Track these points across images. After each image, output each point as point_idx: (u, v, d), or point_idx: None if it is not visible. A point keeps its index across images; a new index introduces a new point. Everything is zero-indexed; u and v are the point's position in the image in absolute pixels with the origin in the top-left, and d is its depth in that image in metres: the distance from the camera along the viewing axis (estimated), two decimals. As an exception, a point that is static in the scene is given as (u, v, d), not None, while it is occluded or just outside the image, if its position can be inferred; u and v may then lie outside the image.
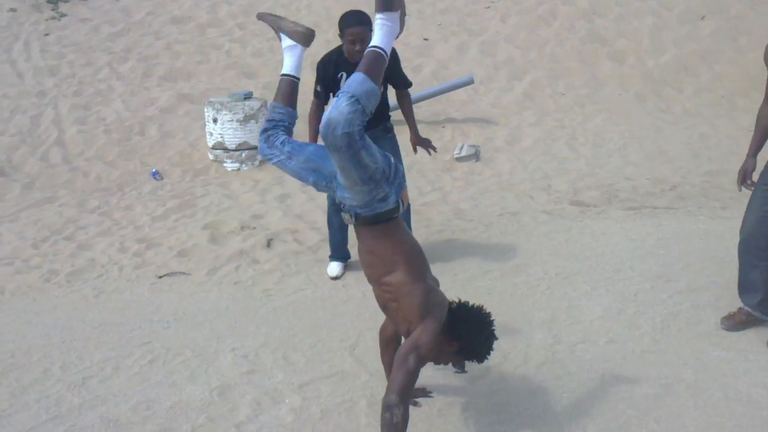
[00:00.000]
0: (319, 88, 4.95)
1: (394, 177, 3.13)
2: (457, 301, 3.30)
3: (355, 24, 4.58)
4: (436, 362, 3.33)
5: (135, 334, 4.46)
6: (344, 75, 4.80)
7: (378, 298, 3.29)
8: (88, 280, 5.33)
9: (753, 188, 4.28)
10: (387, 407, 2.92)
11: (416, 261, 3.22)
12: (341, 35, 4.70)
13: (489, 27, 10.49)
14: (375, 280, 3.24)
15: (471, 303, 3.29)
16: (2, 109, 8.40)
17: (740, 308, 4.37)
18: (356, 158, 2.95)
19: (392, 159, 3.20)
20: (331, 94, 4.87)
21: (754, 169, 4.31)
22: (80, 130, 8.08)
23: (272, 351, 4.22)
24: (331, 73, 4.83)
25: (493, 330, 3.27)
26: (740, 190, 4.40)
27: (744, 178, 4.31)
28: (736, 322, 4.33)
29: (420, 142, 5.11)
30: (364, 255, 3.25)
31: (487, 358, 3.29)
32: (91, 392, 3.84)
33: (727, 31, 10.69)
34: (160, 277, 5.34)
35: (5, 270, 5.45)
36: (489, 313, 3.27)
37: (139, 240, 5.92)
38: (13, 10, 10.50)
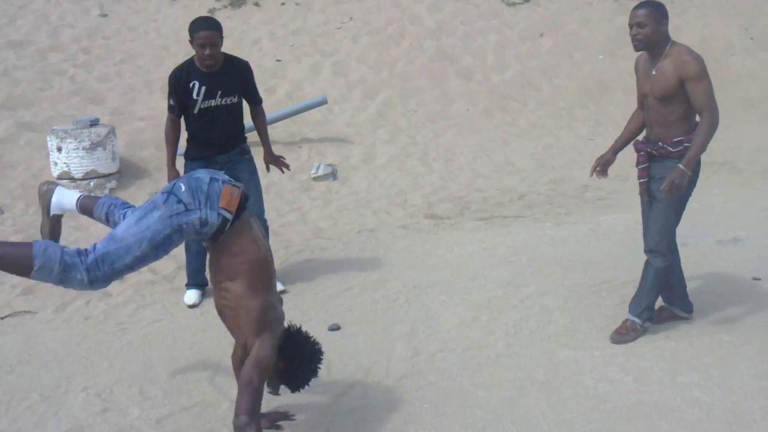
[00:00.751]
0: (172, 102, 4.89)
1: (202, 201, 3.13)
2: (297, 326, 3.40)
3: (204, 28, 4.64)
4: None
5: (-26, 382, 4.16)
6: (196, 84, 4.76)
7: (216, 301, 3.31)
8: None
9: (601, 178, 4.59)
10: (238, 428, 2.91)
11: (260, 273, 3.23)
12: (191, 41, 4.71)
13: (341, 47, 10.64)
14: (216, 283, 3.26)
15: (310, 334, 3.44)
16: None
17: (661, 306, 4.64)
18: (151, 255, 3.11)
19: (182, 186, 3.17)
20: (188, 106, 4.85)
21: (610, 163, 4.58)
22: None
23: (128, 387, 4.06)
24: (182, 84, 4.79)
25: (319, 368, 3.44)
26: (591, 175, 4.66)
27: (598, 166, 4.55)
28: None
29: (273, 160, 5.11)
30: (210, 256, 3.29)
31: (299, 390, 3.44)
32: (-75, 448, 3.54)
33: (564, 47, 11.38)
34: (2, 318, 5.01)
35: None
36: (322, 351, 3.46)
37: (-23, 280, 5.53)
38: None
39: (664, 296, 4.62)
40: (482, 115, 9.65)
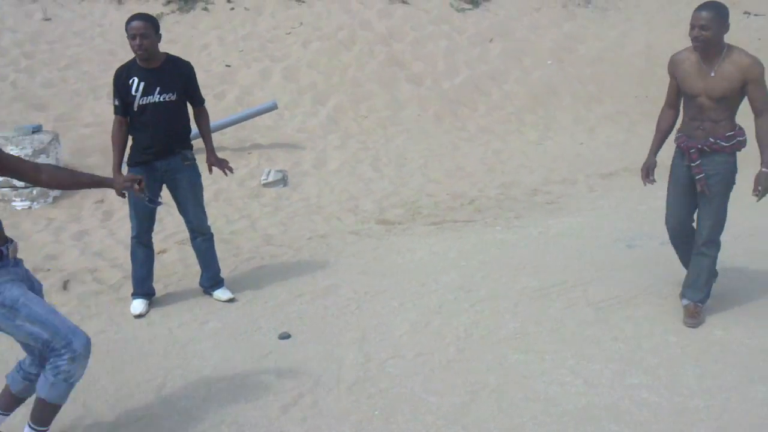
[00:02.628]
0: (116, 102, 4.88)
1: None
2: None
3: (134, 20, 4.72)
4: None
5: None
6: (135, 80, 4.77)
7: None
8: None
9: (653, 183, 4.77)
10: None
11: None
12: (127, 35, 4.75)
13: (291, 53, 10.58)
14: None
15: None
16: None
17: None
18: None
19: None
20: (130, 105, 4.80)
21: (654, 166, 4.76)
22: None
23: (71, 400, 3.93)
24: (123, 80, 4.80)
25: None
26: (645, 185, 4.84)
27: (646, 174, 4.75)
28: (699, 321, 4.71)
29: (216, 162, 5.02)
30: None
31: None
32: None
33: (513, 53, 11.50)
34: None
35: None
36: None
37: None
38: None
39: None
40: (433, 120, 9.69)
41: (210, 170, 5.11)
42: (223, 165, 5.03)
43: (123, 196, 4.02)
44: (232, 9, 11.48)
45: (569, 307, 4.91)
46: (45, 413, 3.20)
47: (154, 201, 3.93)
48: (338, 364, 4.26)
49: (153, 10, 11.24)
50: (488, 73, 10.87)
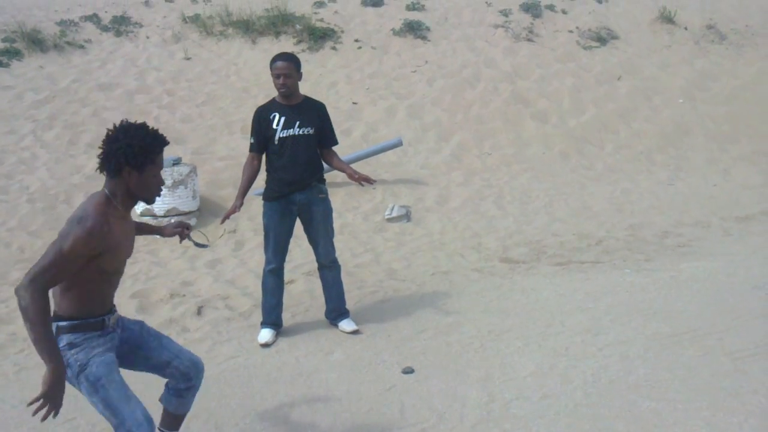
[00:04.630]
0: (253, 140, 5.13)
1: None
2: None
3: (279, 59, 4.98)
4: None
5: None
6: (276, 115, 5.01)
7: None
8: (8, 355, 5.12)
9: None
10: (15, 292, 2.87)
11: None
12: (271, 73, 5.02)
13: (416, 90, 10.74)
14: None
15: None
16: None
17: None
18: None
19: None
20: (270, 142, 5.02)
21: None
22: (1, 200, 7.85)
23: (204, 422, 4.11)
24: (264, 116, 5.05)
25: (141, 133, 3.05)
26: None
27: None
28: None
29: (360, 176, 5.03)
30: None
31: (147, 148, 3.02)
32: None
33: (642, 91, 11.22)
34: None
35: None
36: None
37: (63, 312, 5.72)
38: (-69, 78, 10.25)
39: None
40: (558, 158, 9.56)
41: (357, 181, 5.00)
42: (366, 178, 5.09)
43: (172, 236, 3.93)
44: (360, 48, 11.80)
45: (704, 355, 4.68)
46: None
47: (200, 244, 4.11)
48: (461, 402, 4.24)
49: (284, 49, 11.73)
50: (616, 111, 10.64)
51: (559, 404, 4.18)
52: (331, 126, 5.22)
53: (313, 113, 5.10)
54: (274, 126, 5.01)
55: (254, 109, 5.21)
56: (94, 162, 8.67)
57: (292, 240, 5.27)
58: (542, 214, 7.88)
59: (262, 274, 5.30)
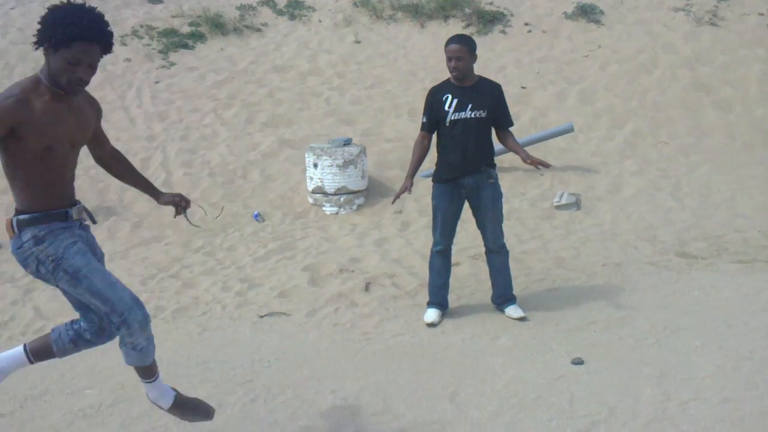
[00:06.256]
0: (424, 119, 5.15)
1: None
2: None
3: (452, 42, 4.96)
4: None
5: (237, 372, 4.52)
6: (449, 96, 4.99)
7: None
8: (192, 317, 5.47)
9: None
10: None
11: None
12: (445, 56, 5.02)
13: (588, 75, 10.38)
14: None
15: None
16: (115, 151, 8.81)
17: None
18: None
19: None
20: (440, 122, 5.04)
21: None
22: (186, 172, 8.39)
23: (372, 395, 4.19)
24: (437, 98, 5.05)
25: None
26: None
27: None
28: None
29: (535, 160, 4.94)
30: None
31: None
32: (196, 427, 3.89)
33: (843, 80, 10.24)
34: (262, 316, 5.42)
35: (115, 305, 5.66)
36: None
37: (241, 280, 6.05)
38: (127, 60, 11.09)
39: None
40: (742, 150, 8.92)
41: (532, 164, 4.95)
42: (543, 162, 4.98)
43: (166, 205, 3.70)
44: (529, 32, 11.55)
45: None
46: (139, 372, 3.36)
47: (193, 224, 3.93)
48: (634, 398, 4.06)
49: (452, 33, 11.70)
50: (810, 102, 9.78)
51: (743, 410, 3.91)
52: (506, 107, 5.15)
53: (487, 95, 5.04)
54: (446, 108, 5.00)
55: (421, 93, 5.25)
56: (270, 140, 9.13)
57: (458, 223, 5.26)
58: (723, 208, 7.40)
59: (428, 254, 5.33)
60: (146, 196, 3.77)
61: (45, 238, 3.01)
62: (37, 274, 3.06)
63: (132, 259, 6.64)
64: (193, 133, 9.36)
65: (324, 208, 7.67)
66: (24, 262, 3.06)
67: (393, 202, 5.42)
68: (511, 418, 3.90)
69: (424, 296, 5.44)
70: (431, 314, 5.23)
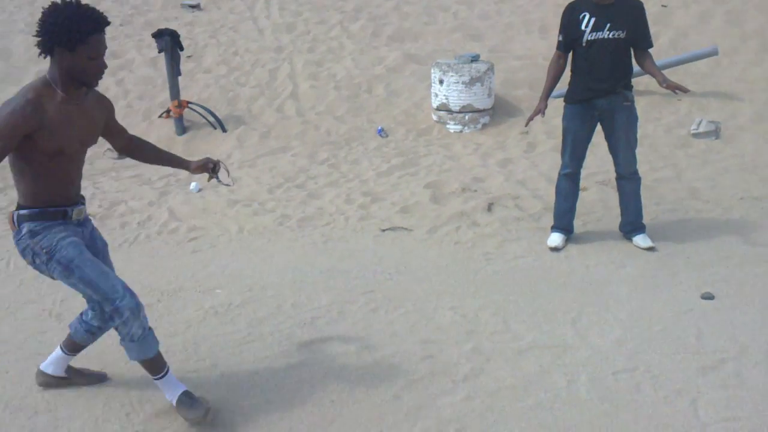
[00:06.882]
0: (560, 38, 4.96)
1: None
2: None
3: None
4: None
5: (359, 282, 4.62)
6: (586, 15, 4.76)
7: None
8: (317, 227, 5.60)
9: None
10: None
11: None
12: None
13: (738, -6, 9.62)
14: None
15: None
16: (244, 62, 8.99)
17: None
18: None
19: None
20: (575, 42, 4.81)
21: None
22: (313, 85, 8.46)
23: (492, 314, 4.20)
24: (573, 15, 4.84)
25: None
26: None
27: None
28: None
29: (673, 84, 4.68)
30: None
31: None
32: (319, 332, 4.03)
33: None
34: (384, 230, 5.48)
35: (245, 211, 5.87)
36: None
37: (364, 193, 6.12)
38: (258, -31, 11.15)
39: None
40: None
41: (674, 91, 4.72)
42: (681, 87, 4.72)
43: (199, 173, 3.64)
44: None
45: None
46: (146, 368, 3.28)
47: (225, 183, 3.82)
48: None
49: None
50: None
51: None
52: (646, 27, 4.85)
53: (627, 14, 4.75)
54: (583, 27, 4.76)
55: (554, 9, 5.00)
56: (395, 54, 9.04)
57: (589, 146, 5.08)
58: None
59: (555, 178, 5.19)
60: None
61: (40, 231, 3.10)
62: (34, 265, 3.18)
63: (260, 168, 6.83)
64: (319, 45, 9.38)
65: (448, 126, 7.58)
66: (23, 253, 3.18)
67: (526, 125, 5.29)
68: (634, 348, 3.81)
69: (548, 220, 5.34)
70: (555, 238, 5.13)
